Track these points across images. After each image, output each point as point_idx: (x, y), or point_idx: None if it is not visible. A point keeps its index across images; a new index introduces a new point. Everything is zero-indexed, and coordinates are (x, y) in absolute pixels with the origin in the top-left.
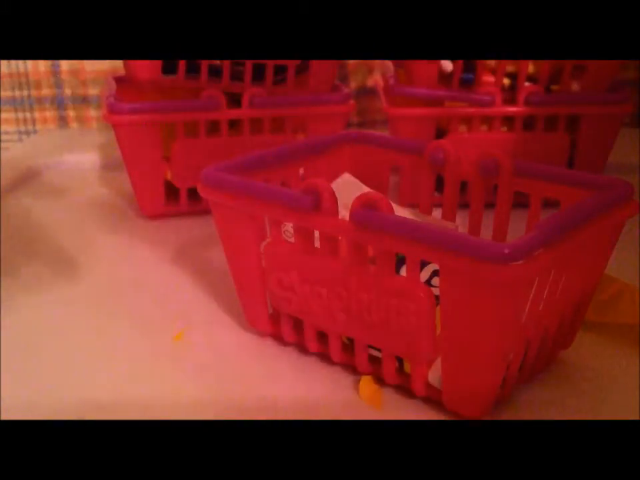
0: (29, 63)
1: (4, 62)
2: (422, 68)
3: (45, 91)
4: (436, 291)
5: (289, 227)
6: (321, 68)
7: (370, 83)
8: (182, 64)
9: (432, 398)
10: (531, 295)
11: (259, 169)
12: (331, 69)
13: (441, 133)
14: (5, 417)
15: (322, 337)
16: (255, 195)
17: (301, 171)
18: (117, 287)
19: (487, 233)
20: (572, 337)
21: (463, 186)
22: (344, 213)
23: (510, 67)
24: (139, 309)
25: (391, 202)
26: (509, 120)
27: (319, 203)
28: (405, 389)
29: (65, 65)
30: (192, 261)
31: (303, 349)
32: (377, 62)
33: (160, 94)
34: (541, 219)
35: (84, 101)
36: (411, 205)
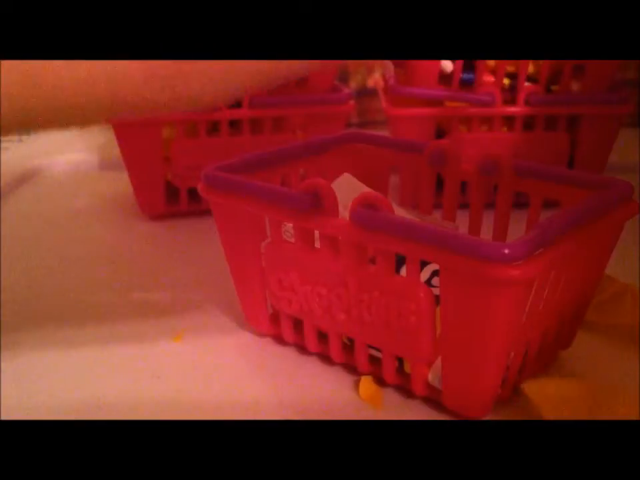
0: None
1: None
2: (422, 68)
3: None
4: (436, 291)
5: (289, 227)
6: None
7: (370, 83)
8: None
9: (432, 398)
10: (531, 295)
11: (259, 169)
12: (331, 69)
13: (440, 133)
14: (4, 417)
15: (322, 337)
16: (255, 195)
17: (301, 170)
18: (116, 287)
19: (487, 233)
20: (572, 337)
21: (463, 186)
22: (344, 213)
23: (510, 67)
24: (138, 309)
25: (391, 202)
26: (509, 120)
27: (319, 202)
28: (405, 389)
29: None
30: (192, 260)
31: (302, 348)
32: (377, 62)
33: None
34: (541, 219)
35: None
36: (411, 205)
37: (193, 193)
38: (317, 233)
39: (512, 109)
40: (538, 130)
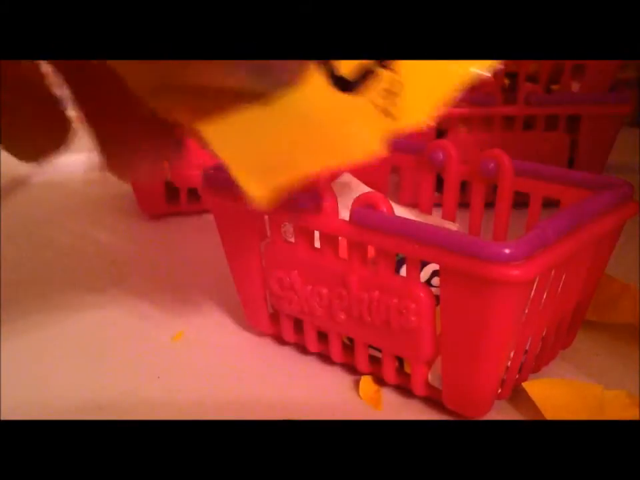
0: None
1: None
2: None
3: None
4: (436, 291)
5: (289, 226)
6: None
7: None
8: None
9: (432, 398)
10: (531, 295)
11: None
12: None
13: (441, 133)
14: (4, 417)
15: (322, 337)
16: None
17: None
18: (116, 287)
19: (487, 233)
20: (572, 337)
21: (463, 186)
22: (344, 213)
23: (510, 67)
24: (138, 309)
25: (391, 202)
26: (509, 120)
27: (319, 203)
28: (405, 389)
29: None
30: (192, 260)
31: (303, 348)
32: None
33: None
34: (541, 219)
35: None
36: (411, 205)
37: (193, 193)
38: (317, 232)
39: (512, 109)
40: (538, 130)
